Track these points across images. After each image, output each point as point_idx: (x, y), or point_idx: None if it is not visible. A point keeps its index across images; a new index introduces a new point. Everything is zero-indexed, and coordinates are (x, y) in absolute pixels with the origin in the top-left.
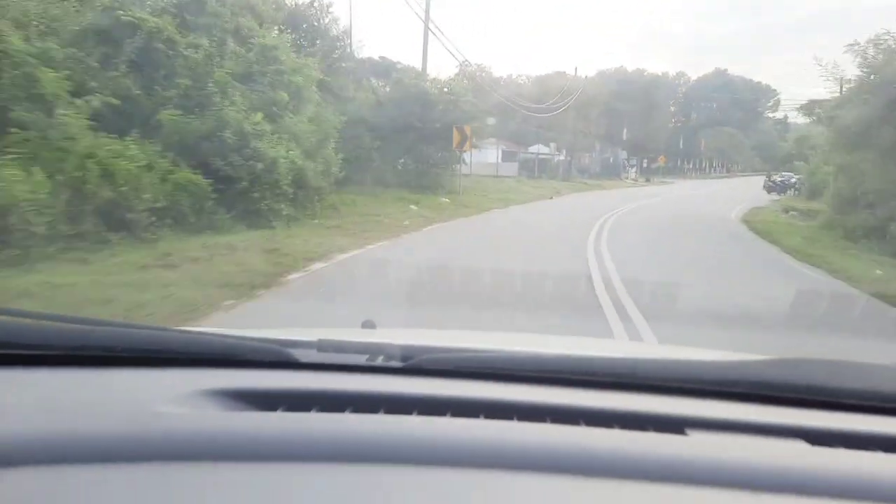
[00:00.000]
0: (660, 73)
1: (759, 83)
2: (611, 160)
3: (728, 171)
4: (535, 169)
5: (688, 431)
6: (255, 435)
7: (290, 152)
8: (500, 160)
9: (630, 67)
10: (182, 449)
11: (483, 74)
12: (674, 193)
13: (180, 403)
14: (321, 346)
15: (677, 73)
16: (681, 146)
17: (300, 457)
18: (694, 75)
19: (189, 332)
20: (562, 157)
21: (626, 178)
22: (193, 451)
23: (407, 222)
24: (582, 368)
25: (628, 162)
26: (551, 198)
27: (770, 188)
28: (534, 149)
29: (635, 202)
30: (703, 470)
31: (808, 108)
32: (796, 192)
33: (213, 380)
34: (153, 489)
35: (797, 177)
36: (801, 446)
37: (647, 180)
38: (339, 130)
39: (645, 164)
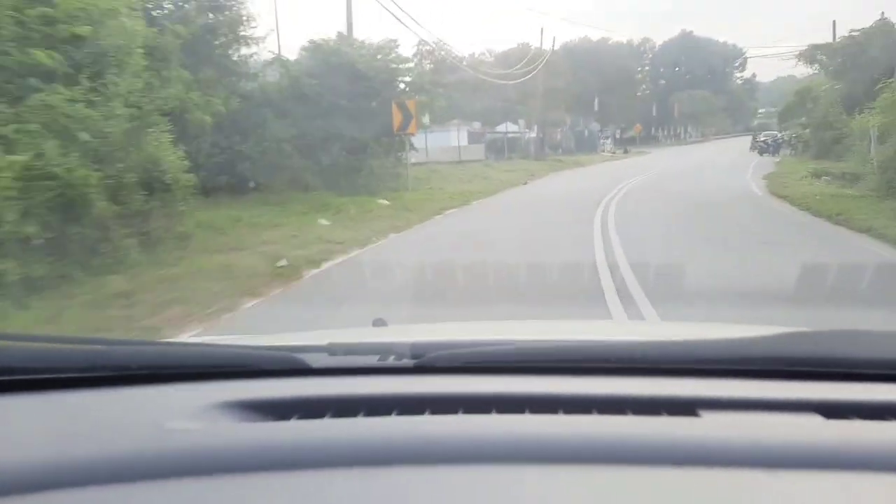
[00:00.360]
0: (624, 41)
1: (724, 43)
2: (585, 133)
3: (703, 136)
4: (505, 149)
5: (700, 412)
6: (271, 445)
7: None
8: (463, 143)
9: (594, 37)
10: (197, 464)
11: (443, 52)
12: (662, 164)
13: (193, 418)
14: (332, 349)
15: (642, 40)
16: (654, 113)
17: (317, 464)
18: (659, 40)
19: (198, 344)
20: (532, 135)
21: (603, 150)
22: (208, 466)
23: (283, 263)
24: (591, 355)
25: (602, 134)
26: (524, 183)
27: (762, 149)
28: (502, 128)
29: (626, 181)
30: (716, 450)
31: (809, 55)
32: (793, 151)
33: (225, 392)
34: None
35: (781, 134)
36: (816, 420)
37: (626, 151)
38: (230, 116)
39: (618, 135)
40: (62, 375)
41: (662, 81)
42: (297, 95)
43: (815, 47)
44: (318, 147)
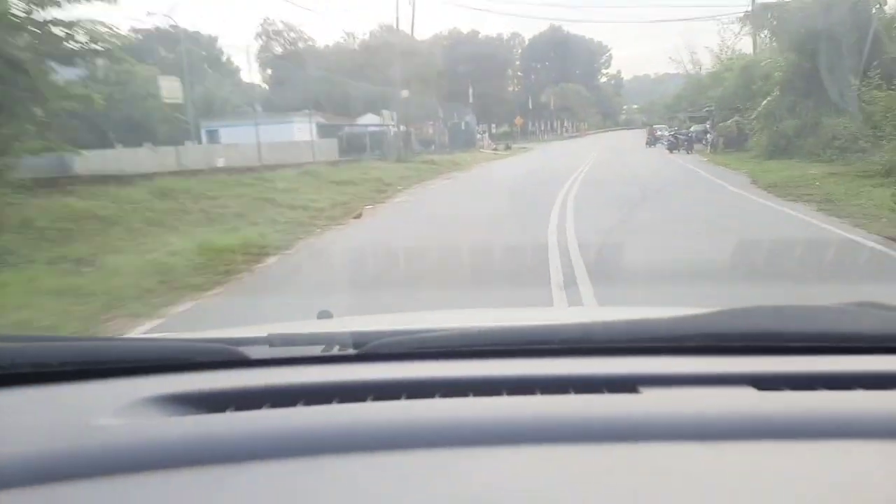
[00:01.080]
0: (494, 35)
1: (591, 40)
2: (462, 126)
3: (578, 130)
4: (368, 146)
5: (640, 389)
6: (202, 438)
7: None
8: (305, 137)
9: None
10: (123, 460)
11: (293, 34)
12: (561, 163)
13: (121, 414)
14: (271, 340)
15: (512, 34)
16: (530, 107)
17: (250, 456)
18: (528, 35)
19: (130, 339)
20: (399, 129)
21: (482, 147)
22: (136, 461)
23: None
24: (533, 338)
25: (479, 128)
26: (358, 215)
27: (671, 144)
28: (365, 120)
29: (546, 204)
30: (655, 425)
31: (755, 18)
32: (710, 146)
33: (156, 386)
34: None
35: (695, 128)
36: (749, 392)
37: (508, 147)
38: None
39: (494, 129)
40: None
41: (534, 76)
42: None
43: (765, 6)
44: None
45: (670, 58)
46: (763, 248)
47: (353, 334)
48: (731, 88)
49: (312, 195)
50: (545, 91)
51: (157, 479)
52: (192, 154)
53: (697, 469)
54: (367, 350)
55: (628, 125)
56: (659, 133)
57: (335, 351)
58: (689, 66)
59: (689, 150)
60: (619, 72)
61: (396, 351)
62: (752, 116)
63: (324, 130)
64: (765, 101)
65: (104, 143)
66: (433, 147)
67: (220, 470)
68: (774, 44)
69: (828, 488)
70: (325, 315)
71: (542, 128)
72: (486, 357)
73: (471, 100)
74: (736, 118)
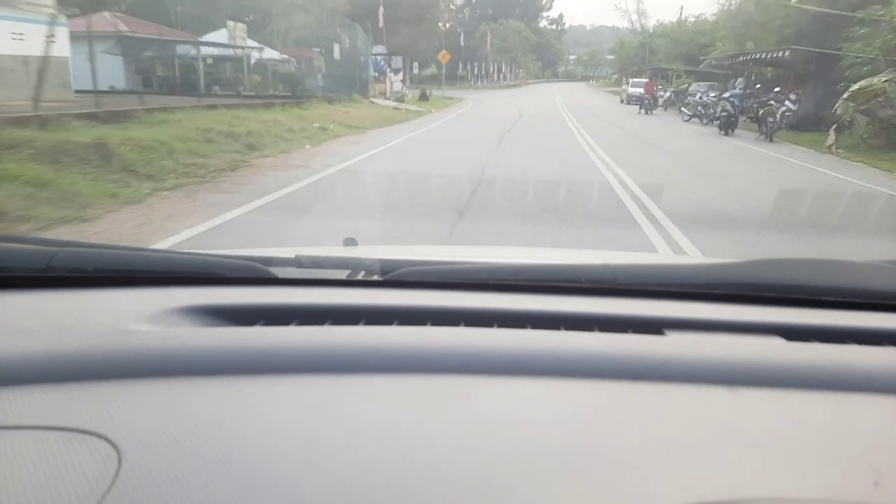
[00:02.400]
0: None
1: None
2: (361, 59)
3: (517, 78)
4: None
5: (666, 332)
6: (234, 349)
7: None
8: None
9: None
10: (157, 365)
11: None
12: (523, 158)
13: (154, 321)
14: (299, 261)
15: None
16: (462, 44)
17: (282, 369)
18: None
19: (162, 251)
20: (264, 56)
21: (378, 94)
22: (169, 367)
23: None
24: (563, 276)
25: (390, 65)
26: None
27: (701, 113)
28: (213, 36)
29: None
30: (680, 367)
31: None
32: (775, 126)
33: (188, 297)
34: (125, 406)
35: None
36: (777, 342)
37: (424, 97)
38: None
39: (416, 70)
40: (12, 275)
41: (467, 10)
42: None
43: None
44: None
45: (615, 5)
46: None
47: (380, 261)
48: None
49: None
50: (480, 28)
51: (188, 385)
52: None
53: (720, 412)
54: (394, 277)
55: (570, 76)
56: (650, 94)
57: (362, 276)
58: (635, 17)
59: (729, 128)
60: (560, 16)
61: (423, 279)
62: None
63: (127, 46)
64: None
65: None
66: (301, 90)
67: (249, 381)
68: None
69: (853, 440)
70: (350, 242)
71: (476, 72)
72: (513, 291)
73: (381, 23)
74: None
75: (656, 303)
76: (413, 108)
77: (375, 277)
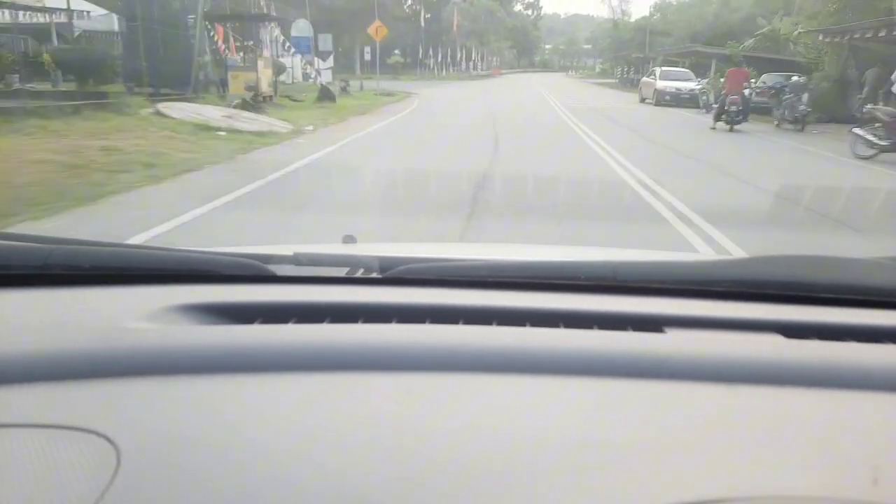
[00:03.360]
0: None
1: None
2: (265, 38)
3: (489, 68)
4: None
5: (666, 329)
6: (231, 346)
7: None
8: None
9: None
10: (153, 363)
11: None
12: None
13: (152, 319)
14: (297, 259)
15: None
16: (422, 24)
17: (281, 367)
18: None
19: (159, 248)
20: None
21: (245, 89)
22: (165, 365)
23: None
24: (562, 273)
25: (317, 47)
26: None
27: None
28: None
29: None
30: (679, 365)
31: None
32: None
33: (186, 295)
34: (123, 404)
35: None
36: (776, 339)
37: (345, 89)
38: None
39: (368, 56)
40: (8, 273)
41: None
42: None
43: None
44: None
45: None
46: None
47: (379, 259)
48: None
49: None
50: (447, 8)
51: (186, 383)
52: None
53: (719, 409)
54: (393, 274)
55: (546, 66)
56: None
57: (361, 273)
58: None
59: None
60: (537, 0)
61: (422, 277)
62: None
63: None
64: None
65: None
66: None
67: (247, 378)
68: None
69: (852, 438)
70: (349, 240)
71: (440, 59)
72: (512, 289)
73: None
74: None
75: (656, 300)
76: (248, 128)
77: (374, 275)
